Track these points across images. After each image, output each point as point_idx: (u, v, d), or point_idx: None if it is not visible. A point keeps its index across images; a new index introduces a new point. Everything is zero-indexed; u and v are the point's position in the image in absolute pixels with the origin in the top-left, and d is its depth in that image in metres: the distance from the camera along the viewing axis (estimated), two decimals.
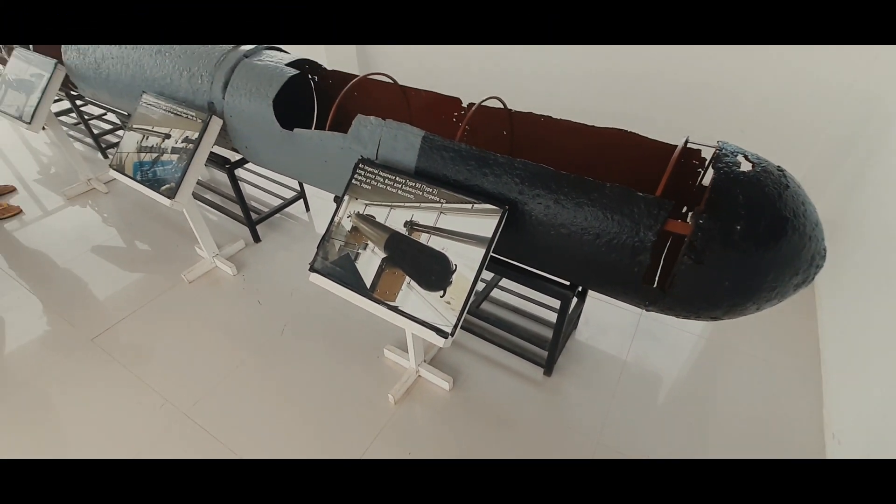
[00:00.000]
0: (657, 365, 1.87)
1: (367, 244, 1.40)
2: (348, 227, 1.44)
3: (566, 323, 1.63)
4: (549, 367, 1.80)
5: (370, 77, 1.77)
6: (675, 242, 1.48)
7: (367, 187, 1.44)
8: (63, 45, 2.38)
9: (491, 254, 1.27)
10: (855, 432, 1.47)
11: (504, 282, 2.16)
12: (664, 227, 1.13)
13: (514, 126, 1.70)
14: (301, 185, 2.73)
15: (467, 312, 1.46)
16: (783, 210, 1.07)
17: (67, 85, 2.60)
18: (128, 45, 2.13)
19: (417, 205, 1.36)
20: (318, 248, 1.46)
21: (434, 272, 1.29)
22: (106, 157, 3.34)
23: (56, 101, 2.73)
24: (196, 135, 1.83)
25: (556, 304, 1.58)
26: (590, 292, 1.98)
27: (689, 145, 1.34)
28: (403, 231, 1.36)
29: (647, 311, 1.33)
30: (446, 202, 1.33)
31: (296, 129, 1.66)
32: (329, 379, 1.81)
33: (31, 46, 2.59)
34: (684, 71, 2.41)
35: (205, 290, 2.23)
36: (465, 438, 1.62)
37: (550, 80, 2.84)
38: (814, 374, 1.82)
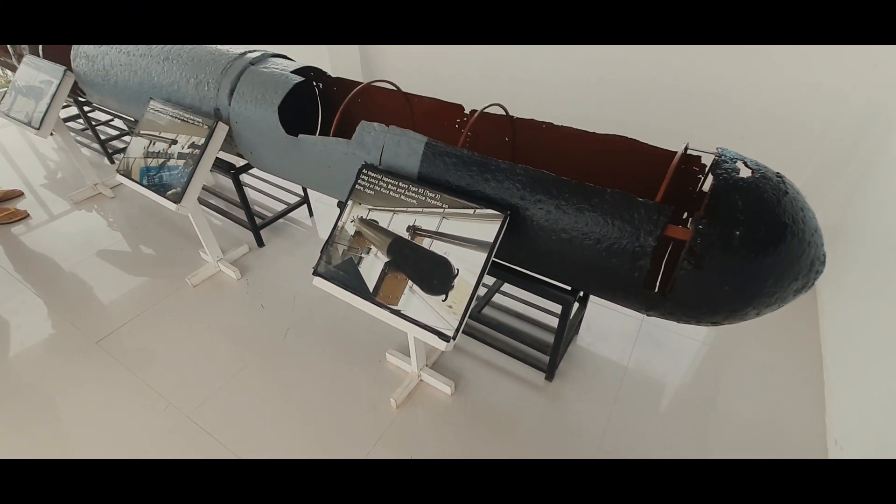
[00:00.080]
0: (659, 371, 1.87)
1: (370, 248, 1.42)
2: (352, 232, 1.46)
3: (567, 328, 1.64)
4: (550, 372, 1.80)
5: (374, 84, 1.80)
6: (676, 248, 1.49)
7: (371, 192, 1.46)
8: (72, 53, 2.42)
9: (493, 258, 1.28)
10: (857, 438, 1.47)
11: (506, 287, 2.17)
12: (664, 233, 1.14)
13: (516, 132, 1.72)
14: (305, 190, 2.76)
15: (469, 317, 1.47)
16: (782, 216, 1.08)
17: (75, 91, 2.64)
18: (136, 53, 2.16)
19: (420, 210, 1.38)
20: (321, 252, 1.48)
21: (436, 276, 1.31)
22: (112, 162, 3.37)
23: (64, 106, 2.77)
24: (202, 140, 1.86)
25: (558, 309, 1.59)
26: (591, 298, 1.99)
27: (688, 152, 1.36)
28: (406, 236, 1.38)
29: (647, 315, 1.34)
30: (448, 207, 1.34)
31: (300, 135, 1.69)
32: (331, 382, 1.82)
33: (41, 47, 2.63)
34: (684, 78, 2.43)
35: (209, 293, 2.24)
36: (466, 442, 1.62)
37: (552, 88, 2.87)
38: (816, 380, 1.82)
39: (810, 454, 1.58)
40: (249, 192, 2.88)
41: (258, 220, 2.51)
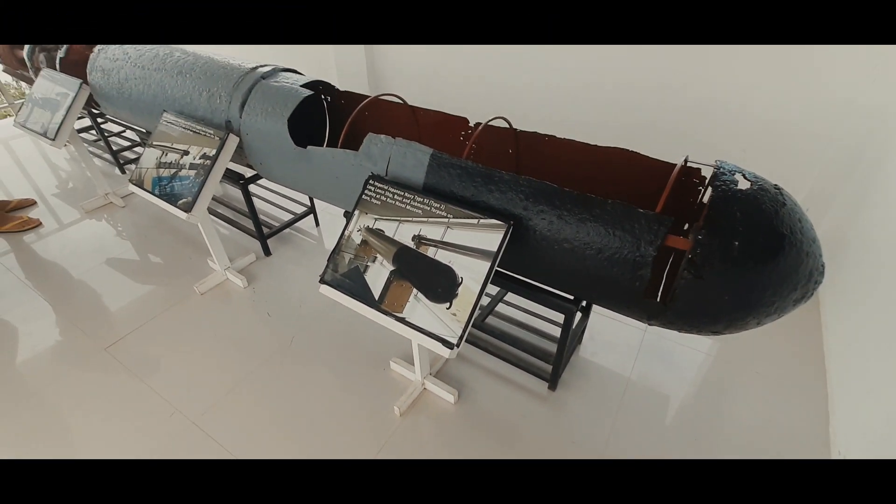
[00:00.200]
0: (662, 381, 1.88)
1: (376, 257, 1.45)
2: (358, 241, 1.49)
3: (570, 338, 1.66)
4: (553, 381, 1.81)
5: (381, 98, 1.84)
6: (677, 258, 1.51)
7: (377, 202, 1.50)
8: (88, 67, 2.50)
9: (496, 268, 1.30)
10: (861, 449, 1.46)
11: (509, 296, 2.19)
12: (664, 243, 1.17)
13: (520, 145, 1.76)
14: (311, 200, 2.80)
15: (473, 326, 1.49)
16: (780, 227, 1.10)
17: (89, 103, 2.72)
18: (150, 67, 2.23)
19: (425, 220, 1.41)
20: (328, 260, 1.51)
21: (441, 285, 1.33)
22: (123, 172, 3.44)
23: (77, 118, 2.84)
24: (213, 151, 1.91)
25: (561, 318, 1.60)
26: (594, 308, 2.01)
27: (688, 164, 1.39)
28: (411, 245, 1.41)
29: (649, 325, 1.36)
30: (453, 217, 1.37)
31: (309, 147, 1.73)
32: (336, 390, 1.84)
33: (58, 61, 2.71)
34: (687, 92, 2.48)
35: (216, 301, 2.28)
36: (469, 451, 1.63)
37: (555, 102, 2.92)
38: (819, 390, 1.82)
39: None
40: (257, 202, 2.93)
41: (265, 230, 2.56)
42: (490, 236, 1.31)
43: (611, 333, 2.08)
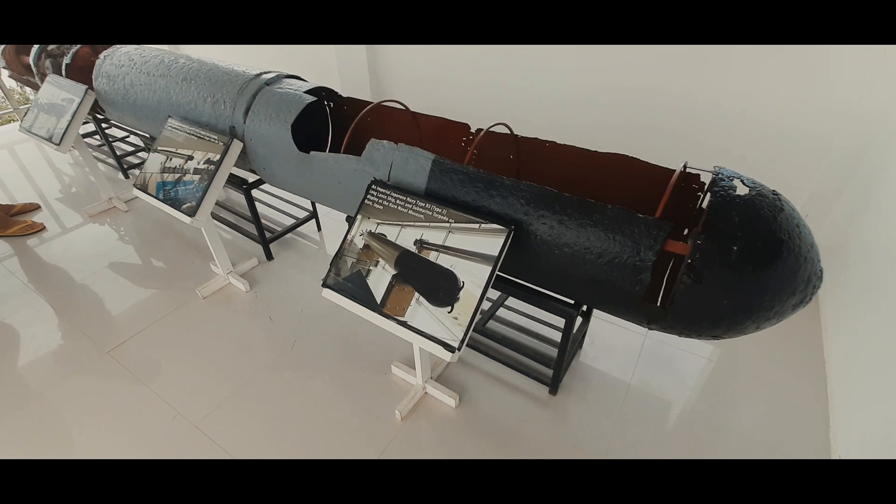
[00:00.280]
0: (662, 386, 1.88)
1: (378, 261, 1.46)
2: (360, 245, 1.51)
3: (571, 342, 1.66)
4: (554, 385, 1.82)
5: (384, 104, 1.87)
6: (677, 263, 1.52)
7: (380, 207, 1.51)
8: (94, 73, 2.53)
9: (497, 272, 1.32)
10: (861, 455, 1.47)
11: (510, 301, 2.20)
12: (664, 247, 1.18)
13: (520, 151, 1.78)
14: (313, 205, 2.82)
15: (474, 330, 1.50)
16: (778, 232, 1.12)
17: (94, 109, 2.74)
18: (155, 73, 2.26)
19: (427, 224, 1.42)
20: (330, 264, 1.52)
21: (442, 288, 1.34)
22: (127, 177, 3.47)
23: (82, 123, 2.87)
24: (217, 157, 1.93)
25: (561, 323, 1.61)
26: (594, 314, 2.02)
27: (687, 170, 1.40)
28: (413, 249, 1.42)
29: (649, 329, 1.37)
30: (455, 222, 1.39)
31: (312, 153, 1.75)
32: (337, 394, 1.84)
33: (64, 67, 2.74)
34: (685, 99, 2.50)
35: (218, 305, 2.29)
36: (470, 455, 1.63)
37: (556, 107, 2.94)
38: (820, 396, 1.82)
39: None
40: (259, 207, 2.95)
41: (267, 234, 2.57)
42: (491, 241, 1.33)
43: (611, 338, 2.08)
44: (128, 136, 3.77)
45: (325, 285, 1.51)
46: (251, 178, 2.35)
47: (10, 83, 4.29)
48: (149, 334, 2.12)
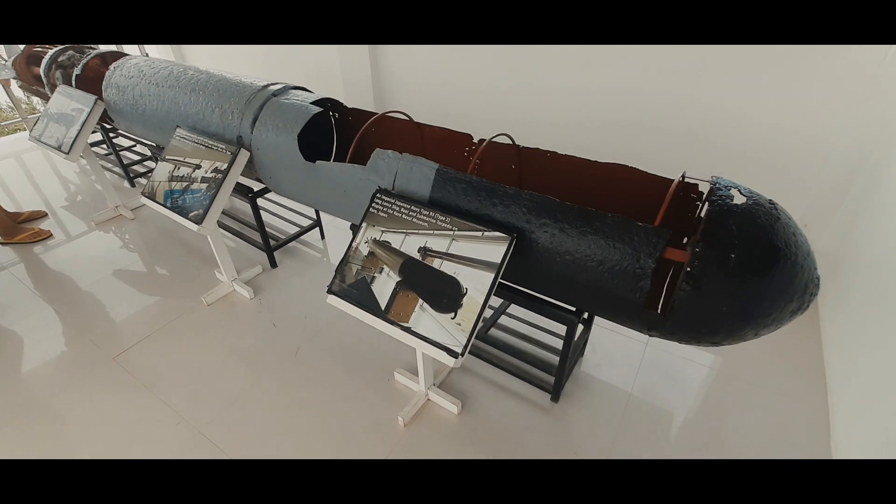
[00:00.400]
0: (663, 394, 1.89)
1: (382, 268, 1.49)
2: (365, 252, 1.53)
3: (572, 349, 1.68)
4: (556, 393, 1.83)
5: (388, 115, 1.91)
6: (677, 271, 1.54)
7: (384, 215, 1.54)
8: (104, 84, 2.58)
9: (500, 279, 1.34)
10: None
11: (512, 309, 2.22)
12: (663, 255, 1.20)
13: (522, 160, 1.81)
14: (317, 213, 2.86)
15: (476, 337, 1.52)
16: (775, 240, 1.14)
17: (103, 118, 2.79)
18: (164, 84, 2.31)
19: (431, 232, 1.45)
20: (336, 271, 1.55)
21: (446, 295, 1.37)
22: (133, 185, 3.51)
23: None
24: (225, 166, 1.97)
25: (563, 330, 1.63)
26: (595, 322, 2.03)
27: (686, 180, 1.43)
28: (417, 256, 1.45)
29: (649, 336, 1.38)
30: (458, 230, 1.42)
31: (318, 162, 1.79)
32: (340, 400, 1.85)
33: (74, 78, 2.79)
34: (685, 111, 2.54)
35: (223, 312, 2.31)
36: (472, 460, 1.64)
37: (557, 120, 2.99)
38: (820, 403, 1.83)
39: None
40: (264, 215, 2.99)
41: (272, 242, 2.60)
42: (494, 248, 1.35)
43: (612, 347, 2.10)
44: (134, 146, 3.83)
45: (330, 292, 1.53)
46: (257, 186, 2.39)
47: (18, 93, 4.36)
48: (154, 341, 2.14)
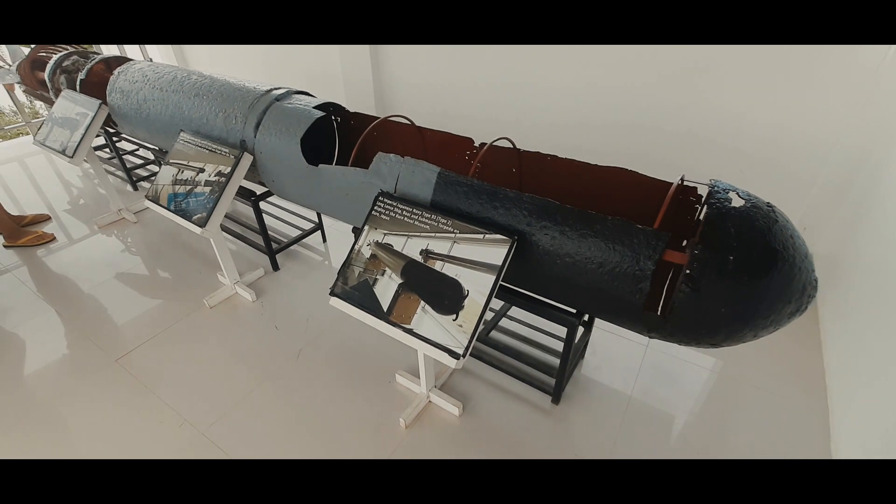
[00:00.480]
0: (664, 397, 1.90)
1: (384, 271, 1.50)
2: (367, 255, 1.55)
3: (573, 351, 1.69)
4: (556, 395, 1.84)
5: (390, 119, 1.93)
6: (677, 273, 1.56)
7: (386, 218, 1.56)
8: (108, 88, 2.61)
9: (501, 281, 1.35)
10: None
11: (512, 311, 2.23)
12: (662, 257, 1.22)
13: (523, 164, 1.83)
14: (319, 216, 2.87)
15: (477, 340, 1.54)
16: (773, 242, 1.16)
17: (106, 123, 2.82)
18: (168, 89, 2.33)
19: (433, 234, 1.47)
20: (338, 274, 1.56)
21: (447, 297, 1.38)
22: (136, 189, 3.53)
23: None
24: (228, 169, 1.99)
25: (563, 333, 1.64)
26: (595, 324, 2.05)
27: (685, 183, 1.45)
28: (419, 259, 1.46)
29: (649, 337, 1.40)
30: (459, 232, 1.43)
31: (321, 165, 1.80)
32: (342, 402, 1.86)
33: (78, 83, 2.82)
34: (685, 114, 2.56)
35: (225, 315, 2.32)
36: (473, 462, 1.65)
37: (558, 124, 3.01)
38: (820, 407, 1.84)
39: None
40: (266, 219, 3.00)
41: (274, 245, 2.62)
42: (495, 251, 1.37)
43: (613, 349, 2.11)
44: (137, 150, 3.86)
45: (332, 294, 1.55)
46: (259, 190, 2.41)
47: (22, 98, 4.39)
48: (156, 343, 2.15)
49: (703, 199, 1.47)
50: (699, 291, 1.18)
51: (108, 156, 3.83)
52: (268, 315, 2.32)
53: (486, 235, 1.39)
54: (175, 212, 2.05)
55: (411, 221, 1.51)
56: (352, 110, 2.24)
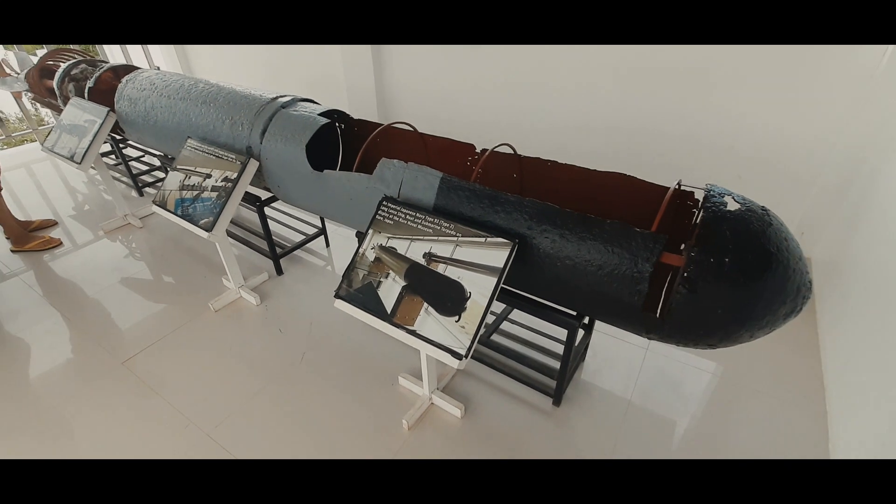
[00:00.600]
0: (663, 399, 1.92)
1: (388, 273, 1.53)
2: (372, 258, 1.58)
3: (573, 354, 1.72)
4: (557, 397, 1.86)
5: (393, 125, 1.97)
6: (675, 276, 1.58)
7: (390, 222, 1.59)
8: (116, 96, 2.66)
9: (502, 284, 1.38)
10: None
11: (513, 315, 2.26)
12: (660, 260, 1.25)
13: (524, 169, 1.86)
14: (322, 221, 2.91)
15: (478, 342, 1.56)
16: (767, 245, 1.19)
17: (113, 129, 2.86)
18: (175, 97, 2.38)
19: (435, 238, 1.50)
20: (343, 277, 1.59)
21: (450, 299, 1.41)
22: (141, 194, 3.58)
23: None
24: (234, 175, 2.02)
25: (564, 334, 1.67)
26: (595, 327, 2.07)
27: (681, 187, 1.48)
28: (422, 262, 1.49)
29: (648, 338, 1.42)
30: (462, 236, 1.47)
31: (325, 171, 1.84)
32: (345, 404, 1.89)
33: (86, 91, 2.87)
34: (684, 121, 2.60)
35: (230, 318, 2.35)
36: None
37: (557, 130, 3.06)
38: (819, 409, 1.86)
39: None
40: (270, 224, 3.04)
41: (278, 250, 2.65)
42: (497, 254, 1.40)
43: (613, 352, 2.13)
44: (142, 156, 3.90)
45: (337, 296, 1.58)
46: (264, 195, 2.45)
47: (27, 105, 4.46)
48: (162, 346, 2.18)
49: (700, 203, 1.50)
50: (696, 293, 1.20)
51: (114, 162, 3.88)
52: (272, 318, 2.34)
53: (488, 239, 1.42)
54: (182, 216, 2.09)
55: (414, 225, 1.55)
56: (355, 116, 2.28)
